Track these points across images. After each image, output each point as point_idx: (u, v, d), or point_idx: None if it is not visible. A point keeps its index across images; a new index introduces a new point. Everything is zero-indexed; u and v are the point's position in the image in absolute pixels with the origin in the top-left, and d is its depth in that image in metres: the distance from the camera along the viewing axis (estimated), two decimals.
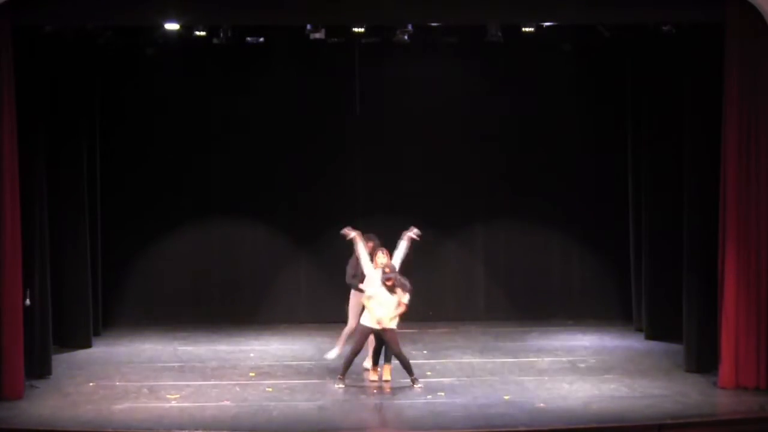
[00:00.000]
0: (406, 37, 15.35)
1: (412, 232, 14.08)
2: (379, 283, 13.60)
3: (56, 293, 14.92)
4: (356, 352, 13.74)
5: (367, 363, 14.29)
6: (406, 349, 15.25)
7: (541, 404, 12.79)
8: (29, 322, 13.72)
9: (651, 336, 16.44)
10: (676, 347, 15.20)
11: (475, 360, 15.23)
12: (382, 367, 13.98)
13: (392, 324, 13.66)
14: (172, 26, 14.72)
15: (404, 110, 17.93)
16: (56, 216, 15.04)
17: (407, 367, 13.72)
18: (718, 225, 13.51)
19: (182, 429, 11.85)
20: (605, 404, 12.77)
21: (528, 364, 14.95)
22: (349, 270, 14.35)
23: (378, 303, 13.59)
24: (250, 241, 18.18)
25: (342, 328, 14.75)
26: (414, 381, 13.65)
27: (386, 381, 13.89)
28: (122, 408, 12.73)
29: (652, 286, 16.44)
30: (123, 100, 17.71)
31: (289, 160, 17.95)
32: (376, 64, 17.62)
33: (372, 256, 14.01)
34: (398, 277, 13.62)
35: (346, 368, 13.74)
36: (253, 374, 14.45)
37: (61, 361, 15.02)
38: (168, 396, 13.28)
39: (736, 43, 13.27)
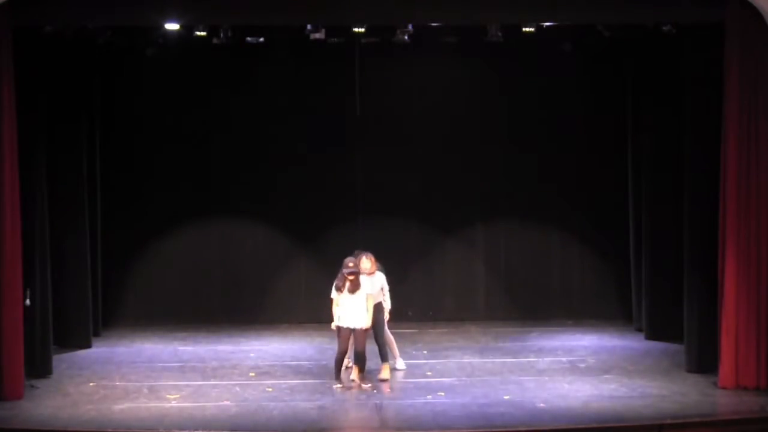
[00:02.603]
0: (406, 37, 15.34)
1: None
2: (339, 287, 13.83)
3: (56, 293, 14.92)
4: (343, 353, 13.81)
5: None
6: (407, 350, 15.31)
7: (541, 404, 12.80)
8: (29, 322, 13.72)
9: (651, 336, 16.43)
10: (676, 347, 15.20)
11: (475, 360, 15.23)
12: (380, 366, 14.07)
13: (361, 323, 13.70)
14: (172, 26, 14.72)
15: (404, 110, 17.93)
16: (56, 216, 15.03)
17: (362, 366, 13.80)
18: (718, 225, 13.52)
19: (182, 429, 11.86)
20: (605, 404, 12.77)
21: (528, 364, 14.95)
22: None
23: (344, 308, 13.74)
24: (250, 241, 18.17)
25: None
26: (362, 382, 13.74)
27: (384, 380, 13.92)
28: (122, 408, 12.74)
29: (652, 286, 16.43)
30: (123, 100, 17.71)
31: (289, 159, 17.94)
32: (376, 64, 17.62)
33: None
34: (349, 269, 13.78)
35: (338, 371, 13.80)
36: (253, 374, 14.45)
37: (61, 361, 15.02)
38: (168, 396, 13.28)
39: (736, 43, 13.27)
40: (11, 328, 13.14)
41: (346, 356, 13.97)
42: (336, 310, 13.83)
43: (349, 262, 13.77)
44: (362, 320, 13.71)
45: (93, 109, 16.80)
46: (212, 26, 15.07)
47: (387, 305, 14.28)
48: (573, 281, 18.28)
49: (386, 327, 14.43)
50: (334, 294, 13.88)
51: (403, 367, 14.56)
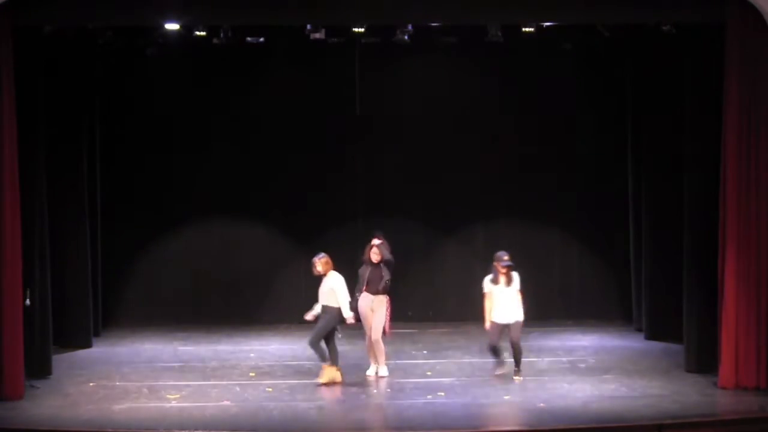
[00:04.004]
0: (406, 37, 15.35)
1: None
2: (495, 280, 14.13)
3: (56, 293, 14.92)
4: (494, 345, 14.12)
5: (371, 371, 14.23)
6: (407, 349, 15.32)
7: (541, 404, 12.79)
8: (29, 322, 13.72)
9: (651, 336, 16.44)
10: (676, 347, 15.20)
11: (475, 360, 15.22)
12: (325, 369, 13.84)
13: (516, 317, 14.04)
14: (172, 26, 14.73)
15: (404, 110, 17.94)
16: (56, 216, 15.03)
17: (518, 358, 14.11)
18: (718, 225, 13.51)
19: (182, 429, 11.85)
20: (605, 404, 12.77)
21: (528, 364, 14.91)
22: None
23: (499, 302, 14.07)
24: (250, 242, 18.17)
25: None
26: (516, 372, 14.04)
27: (323, 384, 13.69)
28: (122, 408, 12.73)
29: (652, 286, 16.44)
30: (123, 100, 17.72)
31: (289, 160, 17.95)
32: (376, 64, 17.64)
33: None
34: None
35: (495, 355, 14.17)
36: (253, 374, 14.44)
37: (61, 361, 15.02)
38: (168, 396, 13.28)
39: (736, 43, 13.26)
40: (11, 328, 13.13)
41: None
42: (488, 305, 14.10)
43: (504, 255, 14.05)
44: (516, 314, 13.99)
45: (93, 108, 16.80)
46: (212, 26, 15.07)
47: (345, 312, 13.76)
48: (573, 281, 18.28)
49: (379, 334, 14.06)
50: (488, 288, 14.12)
51: (386, 373, 14.18)
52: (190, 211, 18.05)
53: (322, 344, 13.78)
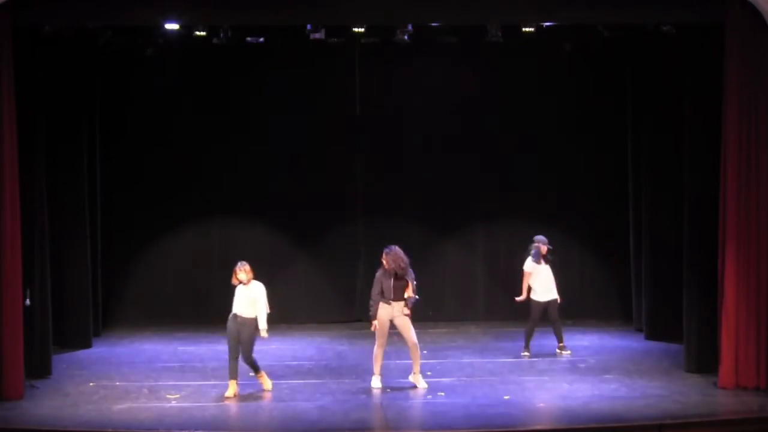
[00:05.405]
0: (406, 37, 15.35)
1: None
2: (535, 261, 15.38)
3: (56, 293, 14.91)
4: (535, 324, 15.40)
5: (375, 382, 13.75)
6: (406, 350, 15.27)
7: (541, 404, 12.79)
8: (29, 322, 13.72)
9: (651, 336, 16.44)
10: (676, 347, 15.20)
11: (475, 360, 15.23)
12: (259, 375, 13.68)
13: (556, 295, 15.41)
14: (172, 26, 14.73)
15: (404, 110, 17.93)
16: (56, 216, 15.03)
17: (560, 334, 15.48)
18: (718, 225, 13.51)
19: (182, 429, 11.86)
20: (605, 404, 12.77)
21: (528, 364, 14.96)
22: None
23: (542, 281, 15.31)
24: (250, 241, 18.14)
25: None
26: (562, 348, 15.41)
27: (267, 390, 13.54)
28: (122, 408, 12.73)
29: (652, 286, 16.44)
30: (123, 100, 17.71)
31: (289, 160, 17.94)
32: (376, 64, 17.64)
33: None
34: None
35: (528, 342, 15.40)
36: (252, 374, 14.42)
37: (61, 361, 15.02)
38: (168, 396, 13.28)
39: (736, 43, 13.27)
40: (11, 328, 13.14)
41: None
42: (527, 283, 15.34)
43: (544, 237, 15.43)
44: (554, 292, 15.36)
45: (93, 109, 16.80)
46: (212, 26, 15.07)
47: (261, 322, 13.39)
48: (573, 281, 18.25)
49: (382, 342, 13.75)
50: (530, 268, 15.39)
51: (425, 385, 13.78)
52: (189, 211, 18.03)
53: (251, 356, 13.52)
